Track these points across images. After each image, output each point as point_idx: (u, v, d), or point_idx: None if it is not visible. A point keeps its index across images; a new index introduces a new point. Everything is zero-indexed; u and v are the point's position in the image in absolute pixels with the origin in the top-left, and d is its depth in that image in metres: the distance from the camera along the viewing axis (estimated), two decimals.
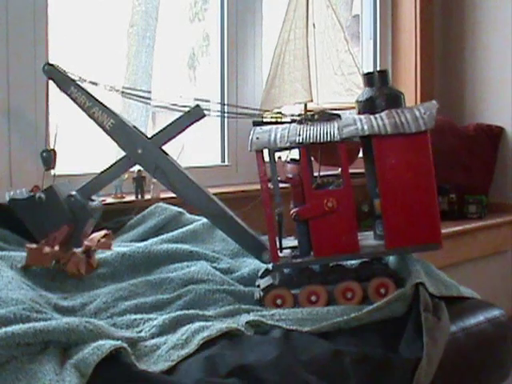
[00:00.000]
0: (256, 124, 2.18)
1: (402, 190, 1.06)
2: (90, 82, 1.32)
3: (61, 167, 1.85)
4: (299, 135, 1.06)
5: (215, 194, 1.27)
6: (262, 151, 1.08)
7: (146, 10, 2.38)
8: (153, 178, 1.28)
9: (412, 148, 1.06)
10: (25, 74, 1.74)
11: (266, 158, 1.12)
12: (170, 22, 2.43)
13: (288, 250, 1.13)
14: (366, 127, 1.05)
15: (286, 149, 1.12)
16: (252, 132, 1.11)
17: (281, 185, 1.12)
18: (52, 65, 1.34)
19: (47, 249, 1.20)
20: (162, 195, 1.85)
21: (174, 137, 1.27)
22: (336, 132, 1.05)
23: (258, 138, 1.08)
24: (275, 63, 2.25)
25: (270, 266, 1.15)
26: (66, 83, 1.30)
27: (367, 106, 1.14)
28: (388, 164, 1.06)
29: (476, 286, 1.27)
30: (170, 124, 1.26)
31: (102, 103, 1.28)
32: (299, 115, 1.16)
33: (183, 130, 1.26)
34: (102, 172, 1.30)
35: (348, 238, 1.07)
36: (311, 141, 1.05)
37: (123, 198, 1.83)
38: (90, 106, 1.27)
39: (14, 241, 1.38)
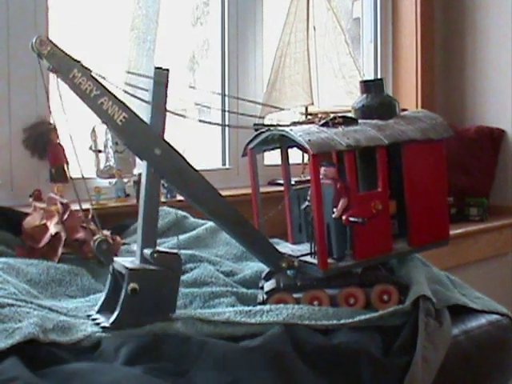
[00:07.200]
0: (257, 126, 2.20)
1: (424, 192, 1.13)
2: (98, 75, 1.01)
3: None
4: (348, 138, 1.04)
5: None
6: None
7: (146, 13, 2.38)
8: (168, 183, 1.07)
9: (434, 153, 1.14)
10: (26, 75, 1.74)
11: None
12: (171, 25, 2.43)
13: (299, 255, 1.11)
14: (403, 132, 1.09)
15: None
16: (295, 134, 1.05)
17: (272, 188, 1.11)
18: (47, 39, 0.97)
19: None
20: (163, 199, 1.85)
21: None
22: (381, 137, 1.07)
23: (310, 140, 1.02)
24: (276, 66, 2.26)
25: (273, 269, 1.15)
26: (68, 64, 0.97)
27: (363, 113, 1.15)
28: (415, 168, 1.12)
29: (477, 288, 1.27)
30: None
31: (112, 93, 1.01)
32: (320, 118, 1.12)
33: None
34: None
35: (386, 239, 1.10)
36: (364, 144, 1.05)
37: (125, 201, 1.83)
38: (99, 94, 0.99)
39: (15, 244, 1.38)
